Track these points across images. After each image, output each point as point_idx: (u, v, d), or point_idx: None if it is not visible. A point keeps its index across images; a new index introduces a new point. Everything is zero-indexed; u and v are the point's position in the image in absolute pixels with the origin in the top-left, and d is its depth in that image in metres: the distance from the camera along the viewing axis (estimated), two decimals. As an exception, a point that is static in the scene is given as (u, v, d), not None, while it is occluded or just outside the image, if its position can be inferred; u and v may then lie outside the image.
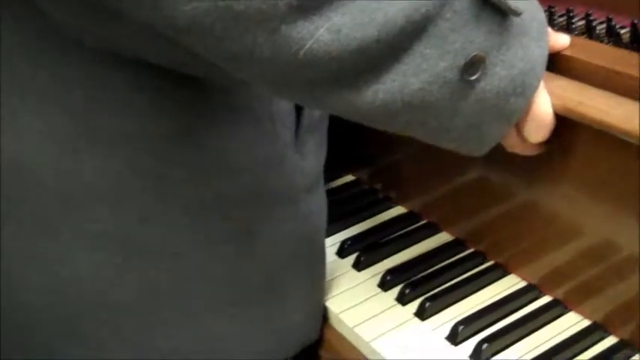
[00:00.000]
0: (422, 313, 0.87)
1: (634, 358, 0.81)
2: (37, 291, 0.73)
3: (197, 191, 0.74)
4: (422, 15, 0.62)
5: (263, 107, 0.76)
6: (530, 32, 0.70)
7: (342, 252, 0.97)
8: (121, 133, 0.70)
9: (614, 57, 0.79)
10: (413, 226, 1.01)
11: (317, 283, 0.87)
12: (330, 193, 1.08)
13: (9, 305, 0.73)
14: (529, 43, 0.70)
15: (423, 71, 0.65)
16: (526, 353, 0.82)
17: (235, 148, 0.75)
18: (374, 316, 0.88)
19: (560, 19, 0.90)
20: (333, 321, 0.89)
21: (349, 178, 1.12)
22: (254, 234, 0.78)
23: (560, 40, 0.78)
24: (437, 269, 0.94)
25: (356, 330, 0.86)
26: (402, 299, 0.89)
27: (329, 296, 0.90)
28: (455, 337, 0.84)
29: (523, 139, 0.76)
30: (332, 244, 0.98)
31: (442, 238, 0.99)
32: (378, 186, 1.09)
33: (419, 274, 0.93)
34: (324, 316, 0.89)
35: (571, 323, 0.86)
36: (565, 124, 0.76)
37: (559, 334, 0.84)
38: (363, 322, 0.87)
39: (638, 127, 0.71)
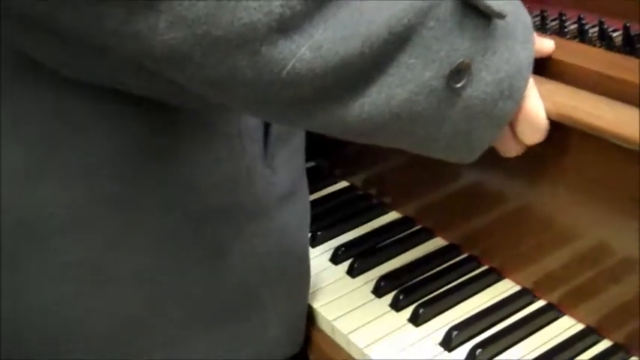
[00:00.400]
0: (416, 319, 0.87)
1: (628, 361, 0.81)
2: (4, 322, 0.71)
3: (165, 214, 0.73)
4: (405, 25, 0.62)
5: (231, 124, 0.75)
6: (516, 34, 0.69)
7: (335, 258, 0.97)
8: (82, 161, 0.68)
9: (606, 61, 0.79)
10: (407, 232, 1.01)
11: (297, 297, 0.86)
12: (324, 199, 1.08)
13: None
14: (514, 45, 0.69)
15: (408, 81, 0.64)
16: (520, 358, 0.82)
17: (203, 167, 0.74)
18: (368, 323, 0.87)
19: (553, 23, 0.90)
20: (327, 328, 0.88)
21: (343, 184, 1.12)
22: (226, 252, 0.77)
23: (546, 45, 0.78)
24: (431, 274, 0.93)
25: (350, 337, 0.86)
26: (396, 305, 0.89)
27: (323, 303, 0.90)
28: (449, 342, 0.83)
29: (519, 144, 0.76)
30: (326, 250, 0.98)
31: (436, 243, 0.99)
32: (372, 192, 1.08)
33: (413, 279, 0.92)
34: (315, 323, 0.89)
35: (565, 327, 0.86)
36: (558, 128, 0.76)
37: (553, 338, 0.84)
38: (357, 328, 0.87)
39: (631, 132, 0.71)
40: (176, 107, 0.71)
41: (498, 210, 0.93)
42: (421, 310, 0.87)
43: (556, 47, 0.79)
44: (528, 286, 0.90)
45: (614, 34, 0.84)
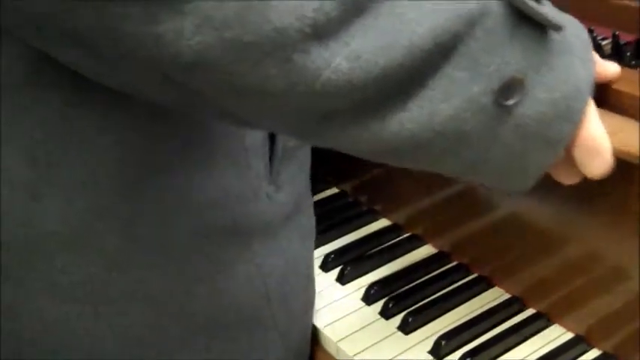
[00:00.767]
0: (405, 328, 0.87)
1: (616, 370, 0.82)
2: (3, 342, 0.70)
3: (168, 231, 0.70)
4: (451, 35, 0.57)
5: (236, 139, 0.73)
6: (573, 50, 0.63)
7: (325, 265, 0.97)
8: (84, 176, 0.66)
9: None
10: (397, 239, 1.01)
11: (301, 318, 0.84)
12: (314, 205, 1.08)
13: None
14: (572, 62, 0.62)
15: (453, 96, 0.58)
16: (509, 366, 0.82)
17: (207, 185, 0.71)
18: (357, 330, 0.87)
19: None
20: (317, 335, 0.88)
21: (333, 190, 1.12)
22: (229, 270, 0.75)
23: (610, 68, 0.70)
24: (421, 282, 0.93)
25: (339, 344, 0.86)
26: (386, 313, 0.89)
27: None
28: (438, 351, 0.83)
29: (577, 173, 0.67)
30: (316, 257, 0.98)
31: (426, 250, 0.99)
32: (363, 199, 1.08)
33: (403, 287, 0.92)
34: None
35: (554, 336, 0.86)
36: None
37: (542, 346, 0.84)
38: (347, 336, 0.87)
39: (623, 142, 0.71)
40: (181, 122, 0.69)
41: (488, 218, 0.93)
42: (411, 319, 0.87)
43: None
44: (518, 294, 0.90)
45: (604, 43, 0.84)
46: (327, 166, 1.12)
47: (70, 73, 0.61)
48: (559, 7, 0.63)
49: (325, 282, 0.95)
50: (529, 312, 0.89)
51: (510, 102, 0.60)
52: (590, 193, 0.79)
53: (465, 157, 0.62)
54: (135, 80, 0.58)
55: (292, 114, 0.57)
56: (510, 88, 0.60)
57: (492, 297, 0.91)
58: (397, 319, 0.88)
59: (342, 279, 0.95)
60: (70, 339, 0.70)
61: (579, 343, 0.84)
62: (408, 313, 0.88)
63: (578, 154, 0.65)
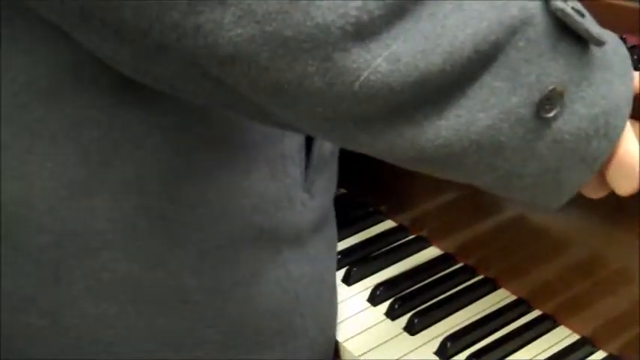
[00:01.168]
0: (411, 328, 0.87)
1: (622, 372, 0.82)
2: (36, 337, 0.70)
3: (209, 234, 0.71)
4: (491, 43, 0.56)
5: (275, 145, 0.73)
6: (614, 67, 0.62)
7: (331, 266, 0.97)
8: (132, 175, 0.66)
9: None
10: (403, 240, 1.01)
11: (327, 325, 0.84)
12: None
13: (6, 351, 0.70)
14: (612, 78, 0.61)
15: (492, 106, 0.58)
16: (515, 368, 0.83)
17: (247, 188, 0.72)
18: (363, 331, 0.88)
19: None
20: (322, 336, 0.88)
21: (340, 191, 1.12)
22: (262, 276, 0.75)
23: None
24: (426, 283, 0.94)
25: (345, 345, 0.86)
26: (392, 314, 0.89)
27: (318, 311, 0.90)
28: (444, 352, 0.84)
29: (605, 188, 0.67)
30: (322, 258, 0.98)
31: (432, 252, 0.99)
32: (369, 200, 1.09)
33: (408, 288, 0.93)
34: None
35: (560, 338, 0.86)
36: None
37: (548, 348, 0.85)
38: (353, 337, 0.87)
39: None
40: (224, 126, 0.69)
41: (494, 220, 0.93)
42: (416, 320, 0.87)
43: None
44: (524, 296, 0.90)
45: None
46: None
47: (120, 74, 0.61)
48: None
49: (331, 283, 0.95)
50: (535, 314, 0.89)
51: (550, 114, 0.59)
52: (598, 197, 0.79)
53: (499, 170, 0.61)
54: (170, 74, 0.58)
55: (328, 115, 0.56)
56: (550, 100, 0.59)
57: (498, 299, 0.91)
58: (403, 320, 0.88)
59: (348, 280, 0.95)
60: (109, 337, 0.70)
61: (585, 344, 0.84)
62: (414, 314, 0.88)
63: (613, 172, 0.64)
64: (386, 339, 0.86)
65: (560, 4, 0.58)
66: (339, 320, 0.88)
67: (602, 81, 0.61)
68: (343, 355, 0.86)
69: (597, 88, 0.60)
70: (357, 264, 0.96)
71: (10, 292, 0.68)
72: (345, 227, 1.04)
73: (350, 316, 0.90)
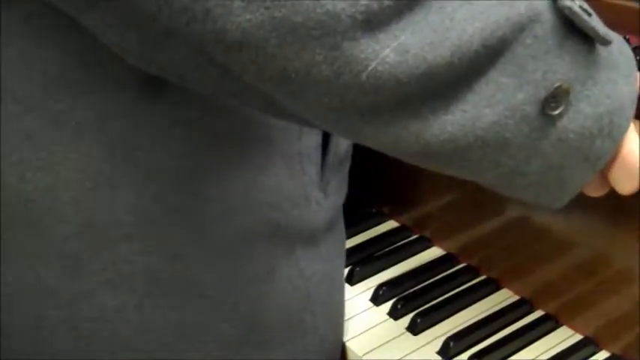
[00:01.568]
0: (414, 328, 0.87)
1: (625, 372, 0.82)
2: (54, 329, 0.70)
3: (227, 227, 0.71)
4: (499, 39, 0.56)
5: (292, 142, 0.73)
6: (619, 67, 0.62)
7: (334, 266, 0.97)
8: (153, 168, 0.67)
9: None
10: (406, 240, 1.01)
11: (335, 324, 0.85)
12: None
13: (21, 342, 0.71)
14: (617, 78, 0.61)
15: (498, 102, 0.58)
16: (518, 368, 0.83)
17: (264, 184, 0.72)
18: (366, 331, 0.88)
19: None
20: (325, 335, 0.89)
21: (342, 191, 1.12)
22: (275, 273, 0.75)
23: None
24: (429, 283, 0.94)
25: (348, 344, 0.86)
26: (395, 314, 0.89)
27: (321, 310, 0.90)
28: (446, 352, 0.84)
29: (606, 187, 0.68)
30: (324, 258, 0.98)
31: (435, 252, 0.99)
32: (372, 200, 1.09)
33: (411, 288, 0.93)
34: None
35: (563, 337, 0.86)
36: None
37: (551, 348, 0.85)
38: (355, 336, 0.87)
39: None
40: (243, 123, 0.69)
41: (497, 220, 0.93)
42: (419, 319, 0.87)
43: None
44: (527, 296, 0.90)
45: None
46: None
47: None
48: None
49: (334, 282, 0.95)
50: (538, 314, 0.89)
51: (555, 112, 0.59)
52: (599, 196, 0.79)
53: (503, 167, 0.61)
54: (176, 62, 0.58)
55: (334, 105, 0.56)
56: (556, 97, 0.59)
57: (501, 299, 0.91)
58: (406, 320, 0.88)
59: (351, 279, 0.95)
60: (126, 329, 0.70)
61: (588, 344, 0.84)
62: (417, 313, 0.88)
63: (615, 171, 0.64)
64: (389, 339, 0.86)
65: (567, 3, 0.58)
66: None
67: (608, 80, 0.61)
68: (346, 354, 0.86)
69: (602, 88, 0.61)
70: (360, 264, 0.96)
71: (33, 283, 0.68)
72: (348, 227, 1.03)
73: (353, 316, 0.90)
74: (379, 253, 0.99)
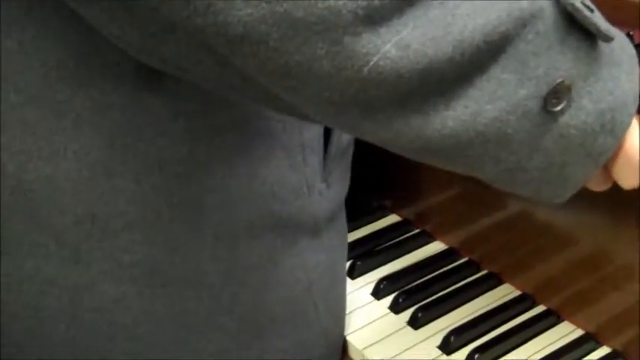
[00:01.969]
0: (415, 323, 0.87)
1: (625, 369, 0.82)
2: (55, 319, 0.70)
3: (227, 218, 0.71)
4: (501, 35, 0.56)
5: (294, 134, 0.73)
6: (621, 63, 0.62)
7: (335, 260, 0.97)
8: (154, 159, 0.67)
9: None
10: (407, 235, 1.01)
11: (338, 316, 0.85)
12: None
13: (22, 332, 0.71)
14: (619, 75, 0.61)
15: (499, 98, 0.58)
16: (518, 363, 0.83)
17: (266, 175, 0.72)
18: (367, 325, 0.88)
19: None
20: (326, 329, 0.89)
21: (344, 185, 1.12)
22: (277, 263, 0.75)
23: None
24: (431, 278, 0.94)
25: (349, 338, 0.86)
26: (396, 308, 0.89)
27: (322, 304, 0.90)
28: (447, 346, 0.84)
29: (608, 182, 0.67)
30: (326, 251, 0.98)
31: (436, 246, 0.99)
32: (373, 194, 1.08)
33: (413, 282, 0.93)
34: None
35: (564, 333, 0.86)
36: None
37: (552, 343, 0.85)
38: (356, 330, 0.87)
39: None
40: (245, 115, 0.69)
41: (499, 214, 0.93)
42: (420, 314, 0.87)
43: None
44: (528, 291, 0.90)
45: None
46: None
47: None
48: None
49: (335, 276, 0.95)
50: (539, 309, 0.89)
51: (557, 108, 0.59)
52: (601, 191, 0.79)
53: (504, 163, 0.61)
54: (177, 55, 0.58)
55: (334, 100, 0.56)
56: (558, 94, 0.59)
57: (502, 293, 0.91)
58: (407, 314, 0.88)
59: (352, 273, 0.95)
60: (126, 319, 0.70)
61: (588, 340, 0.84)
62: (418, 308, 0.88)
63: (617, 166, 0.64)
64: (389, 333, 0.86)
65: None
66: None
67: (610, 77, 0.61)
68: (347, 348, 0.86)
69: (604, 84, 0.60)
70: (361, 257, 0.96)
71: (33, 273, 0.68)
72: (350, 221, 1.03)
73: (354, 310, 0.90)
74: (380, 247, 0.99)
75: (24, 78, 0.64)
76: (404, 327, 0.87)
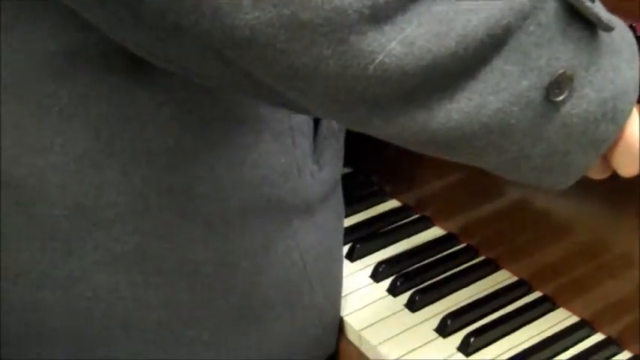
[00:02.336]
0: (412, 305, 0.88)
1: (618, 356, 0.82)
2: (50, 311, 0.71)
3: (218, 205, 0.72)
4: (503, 28, 0.57)
5: (282, 118, 0.74)
6: (622, 52, 0.63)
7: (335, 242, 0.98)
8: (141, 149, 0.68)
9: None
10: (407, 220, 1.02)
11: (334, 298, 0.86)
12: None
13: (19, 325, 0.72)
14: (620, 64, 0.62)
15: (502, 90, 0.58)
16: (513, 347, 0.83)
17: (255, 160, 0.73)
18: (365, 306, 0.89)
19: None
20: (324, 309, 0.89)
21: (345, 170, 1.12)
22: (271, 246, 0.76)
23: None
24: (429, 262, 0.94)
25: (346, 319, 0.87)
26: (394, 291, 0.90)
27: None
28: (444, 329, 0.85)
29: (608, 170, 0.68)
30: (326, 234, 0.99)
31: (435, 232, 1.00)
32: (374, 179, 1.09)
33: (411, 266, 0.93)
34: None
35: (559, 319, 0.87)
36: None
37: (547, 329, 0.85)
38: (354, 311, 0.88)
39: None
40: (233, 102, 0.70)
41: (498, 201, 0.93)
42: (418, 297, 0.88)
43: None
44: (525, 277, 0.91)
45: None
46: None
47: (130, 52, 0.61)
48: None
49: (334, 258, 0.96)
50: (535, 295, 0.90)
51: (559, 98, 0.60)
52: (600, 179, 0.80)
53: (507, 152, 0.62)
54: (184, 56, 0.59)
55: (340, 98, 0.57)
56: (560, 84, 0.59)
57: (499, 279, 0.92)
58: (404, 297, 0.89)
59: (352, 256, 0.96)
60: (121, 308, 0.71)
61: (583, 327, 0.85)
62: (416, 291, 0.89)
63: (618, 154, 0.65)
64: (387, 315, 0.87)
65: None
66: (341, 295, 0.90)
67: (611, 66, 0.62)
68: (344, 329, 0.87)
69: (606, 73, 0.61)
70: (360, 241, 0.97)
71: (27, 267, 0.69)
72: (350, 205, 1.04)
73: (352, 292, 0.90)
74: (380, 231, 1.00)
75: (10, 74, 0.65)
76: (401, 309, 0.88)
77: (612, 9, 0.62)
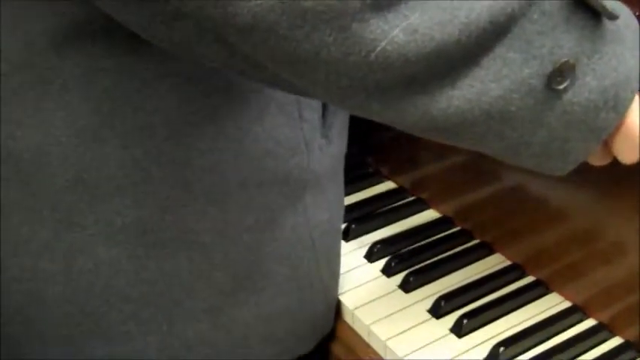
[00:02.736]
0: (406, 286, 0.88)
1: (610, 341, 0.83)
2: (51, 282, 0.71)
3: (220, 178, 0.72)
4: (507, 15, 0.57)
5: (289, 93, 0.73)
6: (625, 40, 0.62)
7: (331, 222, 0.98)
8: (143, 122, 0.68)
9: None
10: (402, 202, 1.03)
11: (335, 275, 0.86)
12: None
13: (21, 297, 0.72)
14: (623, 52, 0.62)
15: (504, 77, 0.59)
16: (505, 330, 0.84)
17: (260, 133, 0.72)
18: (359, 286, 0.89)
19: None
20: (319, 288, 0.90)
21: (342, 150, 1.13)
22: (278, 222, 0.76)
23: None
24: (424, 244, 0.95)
25: (341, 298, 0.87)
26: (388, 271, 0.91)
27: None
28: (437, 310, 0.85)
29: (608, 157, 0.68)
30: (321, 213, 0.99)
31: (430, 214, 1.01)
32: (370, 160, 1.09)
33: (406, 247, 0.94)
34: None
35: (552, 304, 0.87)
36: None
37: (539, 313, 0.86)
38: (348, 290, 0.88)
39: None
40: (231, 74, 0.69)
41: (493, 186, 0.94)
42: (412, 278, 0.89)
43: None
44: (519, 261, 0.92)
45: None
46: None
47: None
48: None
49: (329, 238, 0.96)
50: (528, 279, 0.90)
51: (561, 86, 0.60)
52: (595, 165, 0.80)
53: (508, 139, 0.62)
54: (187, 40, 0.59)
55: (342, 84, 0.57)
56: (562, 72, 0.60)
57: (493, 263, 0.93)
58: (398, 278, 0.90)
59: (347, 236, 0.96)
60: (121, 280, 0.71)
61: (576, 312, 0.86)
62: (410, 272, 0.89)
63: (618, 142, 0.65)
64: (381, 294, 0.88)
65: None
66: (336, 275, 0.90)
67: (614, 54, 0.62)
68: (339, 307, 0.87)
69: (608, 61, 0.61)
70: (356, 221, 0.98)
71: (28, 239, 0.69)
72: (347, 186, 1.04)
73: (347, 271, 0.91)
74: (376, 212, 1.00)
75: (11, 47, 0.65)
76: (395, 290, 0.89)
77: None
